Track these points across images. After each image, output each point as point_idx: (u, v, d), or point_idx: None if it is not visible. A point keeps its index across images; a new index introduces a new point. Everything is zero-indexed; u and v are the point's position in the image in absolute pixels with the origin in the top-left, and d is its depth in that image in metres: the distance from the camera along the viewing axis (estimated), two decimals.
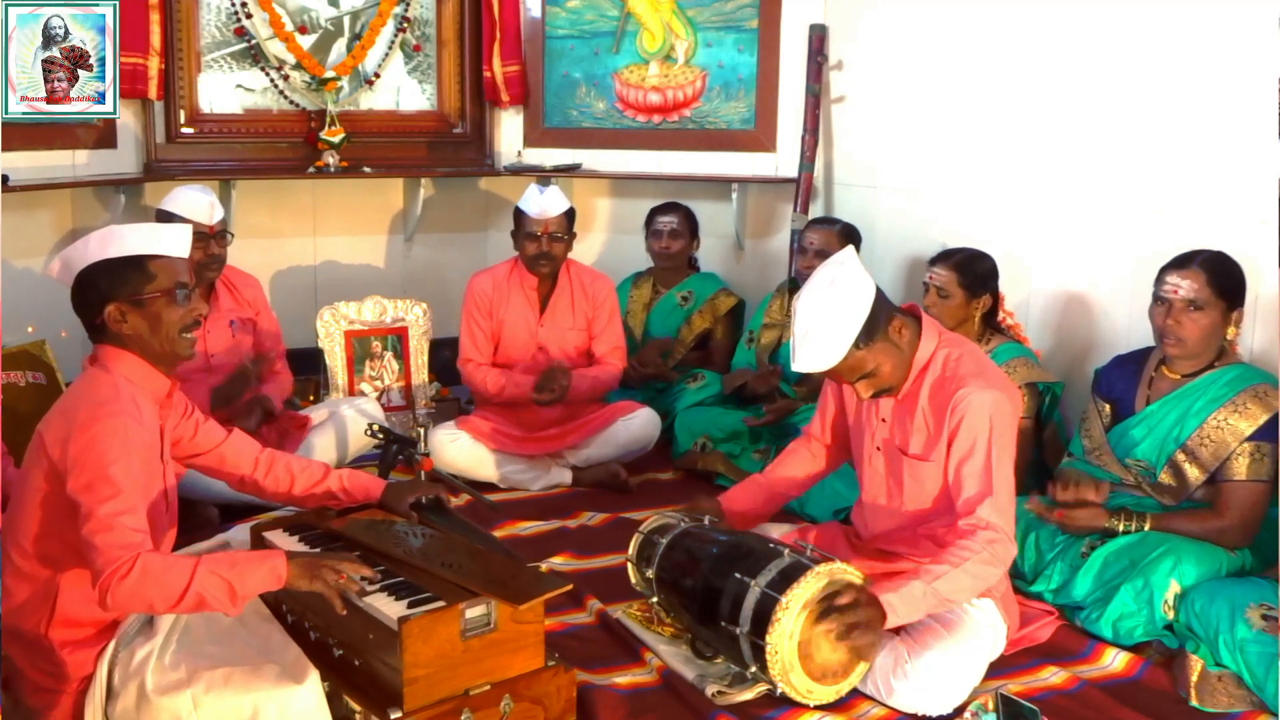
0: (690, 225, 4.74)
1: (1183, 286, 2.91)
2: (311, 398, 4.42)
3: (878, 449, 2.78)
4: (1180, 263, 2.96)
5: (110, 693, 2.23)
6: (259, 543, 2.61)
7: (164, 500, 2.31)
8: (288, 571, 2.19)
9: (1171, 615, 2.76)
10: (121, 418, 2.17)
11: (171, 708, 2.13)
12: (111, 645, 2.26)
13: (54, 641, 2.25)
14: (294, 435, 3.90)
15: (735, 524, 2.89)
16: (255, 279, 4.14)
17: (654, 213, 4.74)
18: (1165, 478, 2.99)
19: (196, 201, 3.72)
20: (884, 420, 2.75)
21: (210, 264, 3.77)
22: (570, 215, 4.07)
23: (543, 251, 4.01)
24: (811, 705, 2.48)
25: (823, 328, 2.51)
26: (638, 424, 4.08)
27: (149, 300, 2.28)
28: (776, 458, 3.13)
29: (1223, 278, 2.92)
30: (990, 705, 2.40)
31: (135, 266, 2.28)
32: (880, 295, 2.58)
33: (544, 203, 3.99)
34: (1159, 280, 2.98)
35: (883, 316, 2.57)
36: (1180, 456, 2.95)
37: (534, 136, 5.18)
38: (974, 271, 3.46)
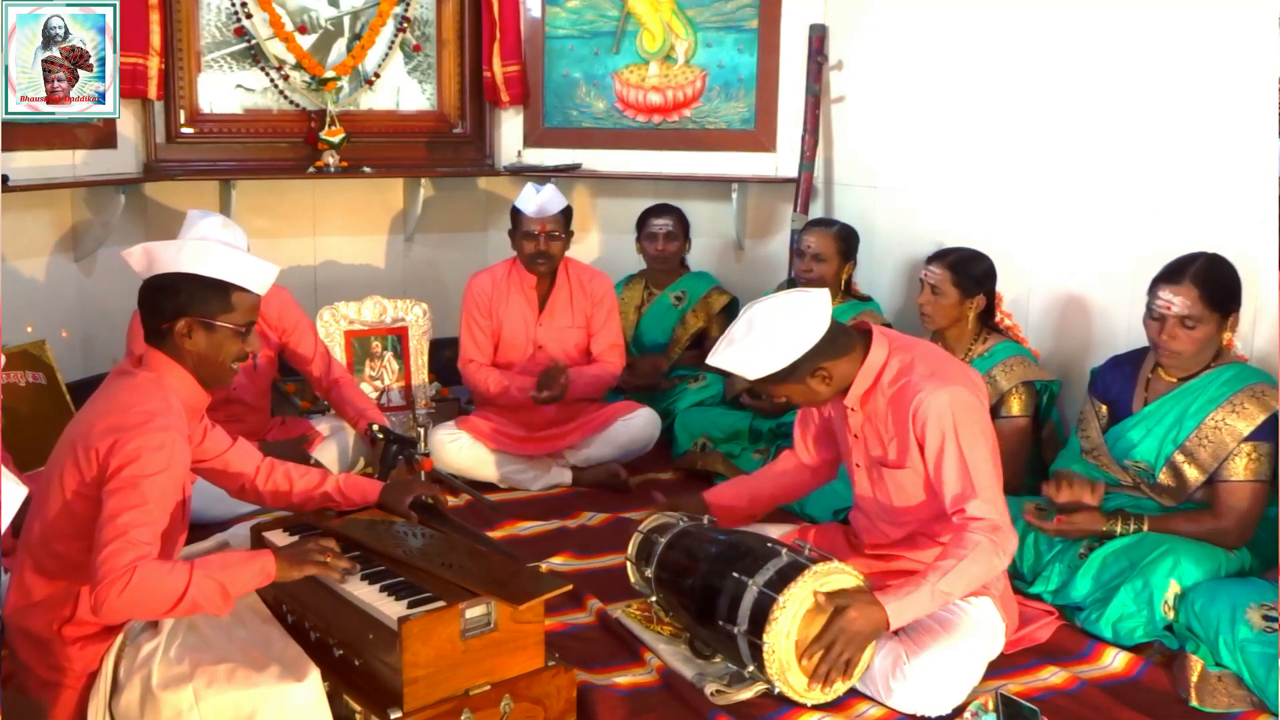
0: (684, 226, 4.73)
1: (1175, 303, 2.86)
2: (311, 401, 4.42)
3: (858, 465, 2.80)
4: (1172, 276, 2.89)
5: (115, 687, 2.24)
6: (259, 542, 2.62)
7: (181, 510, 2.33)
8: (276, 567, 2.23)
9: (1171, 616, 2.76)
10: (172, 432, 2.22)
11: (173, 702, 2.14)
12: (119, 640, 2.28)
13: (65, 638, 2.26)
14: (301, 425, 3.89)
15: (721, 519, 2.90)
16: (282, 290, 3.78)
17: (648, 215, 4.72)
18: (1164, 478, 2.98)
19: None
20: (857, 437, 2.76)
21: None
22: (567, 213, 4.06)
23: (540, 250, 4.01)
24: (809, 705, 2.48)
25: (750, 346, 2.54)
26: (638, 424, 4.07)
27: (219, 327, 2.35)
28: (771, 461, 3.14)
29: (1216, 290, 2.86)
30: (990, 705, 2.40)
31: (220, 291, 2.34)
32: (816, 347, 2.55)
33: (541, 201, 3.99)
34: (1151, 292, 2.93)
35: (805, 369, 2.57)
36: (1179, 457, 2.94)
37: (534, 136, 5.19)
38: (968, 272, 3.47)
